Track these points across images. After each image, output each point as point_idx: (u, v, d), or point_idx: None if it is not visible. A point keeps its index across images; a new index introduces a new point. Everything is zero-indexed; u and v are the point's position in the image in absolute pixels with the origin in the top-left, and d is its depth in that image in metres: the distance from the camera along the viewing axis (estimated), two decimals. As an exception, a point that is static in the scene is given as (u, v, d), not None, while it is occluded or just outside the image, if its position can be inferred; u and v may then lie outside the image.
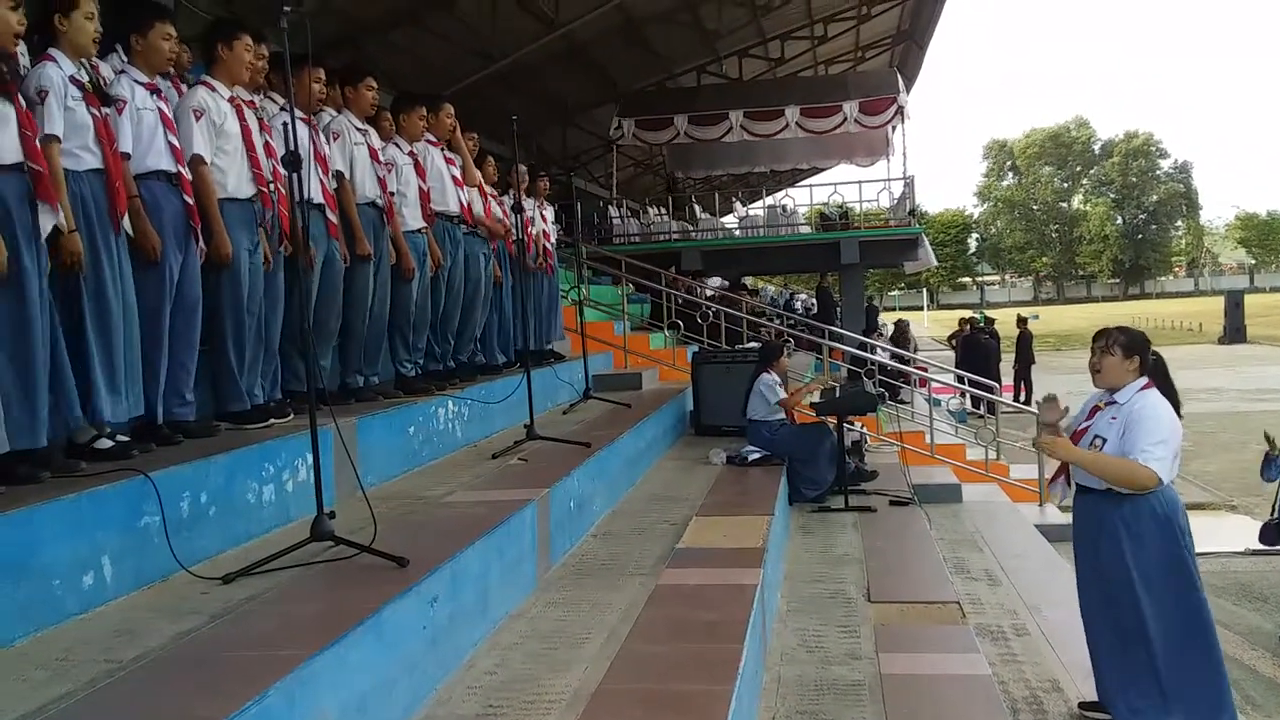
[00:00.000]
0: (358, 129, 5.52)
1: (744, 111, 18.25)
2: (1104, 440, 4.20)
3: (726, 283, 17.19)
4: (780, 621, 5.00)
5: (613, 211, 19.63)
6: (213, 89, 4.43)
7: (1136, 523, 4.10)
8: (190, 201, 4.18)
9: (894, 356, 13.96)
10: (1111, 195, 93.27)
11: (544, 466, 5.20)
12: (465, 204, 6.48)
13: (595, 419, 7.13)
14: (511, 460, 5.43)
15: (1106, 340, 4.29)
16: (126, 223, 3.82)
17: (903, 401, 12.88)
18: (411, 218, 5.89)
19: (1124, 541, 4.13)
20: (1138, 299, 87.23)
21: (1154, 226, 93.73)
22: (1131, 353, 4.23)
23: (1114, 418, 4.22)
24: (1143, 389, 4.19)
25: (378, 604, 2.88)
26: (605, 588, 4.34)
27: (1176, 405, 4.24)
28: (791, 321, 15.12)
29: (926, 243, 19.20)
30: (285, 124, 3.53)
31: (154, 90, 4.14)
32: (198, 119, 4.30)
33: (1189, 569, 4.12)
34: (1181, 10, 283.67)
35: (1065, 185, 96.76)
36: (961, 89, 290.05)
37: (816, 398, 8.23)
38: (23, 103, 3.31)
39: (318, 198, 4.94)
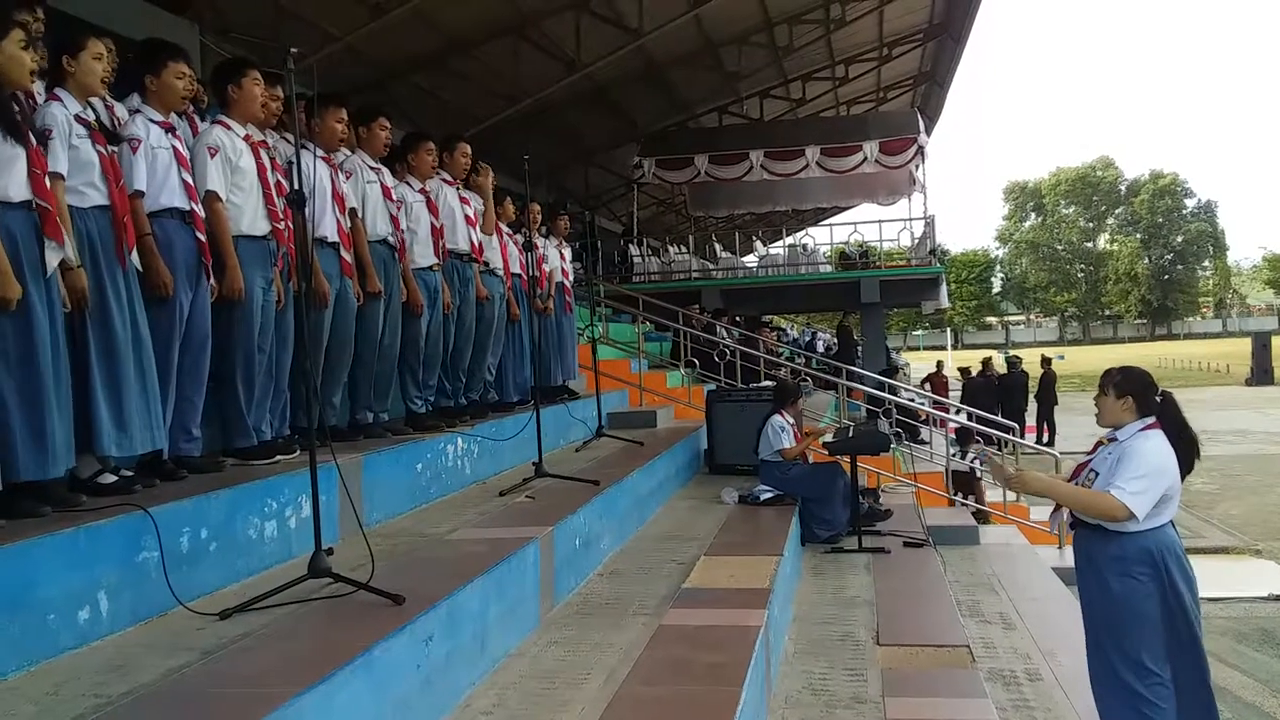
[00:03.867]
0: (371, 167, 5.59)
1: (764, 151, 18.37)
2: (1096, 474, 4.27)
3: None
4: (787, 664, 4.94)
5: (633, 250, 19.72)
6: (228, 127, 4.49)
7: (1124, 561, 4.11)
8: (202, 239, 4.23)
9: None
10: (1138, 235, 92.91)
11: (551, 504, 5.19)
12: (476, 243, 6.52)
13: (607, 457, 7.11)
14: (519, 498, 5.42)
15: (1104, 382, 4.38)
16: (136, 259, 3.87)
17: (921, 441, 12.81)
18: (422, 255, 5.94)
19: (1113, 578, 4.14)
20: (1165, 340, 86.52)
21: (1180, 267, 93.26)
22: (1123, 393, 4.29)
23: (1111, 453, 4.26)
24: (1144, 429, 4.20)
25: (369, 642, 2.86)
26: (608, 627, 4.31)
27: (1192, 446, 4.23)
28: (808, 360, 15.10)
29: (943, 282, 19.18)
30: (291, 163, 3.57)
31: (168, 129, 4.21)
32: (213, 156, 4.35)
33: (1184, 612, 4.08)
34: (1205, 51, 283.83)
35: (1090, 225, 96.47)
36: (984, 129, 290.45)
37: (830, 438, 8.18)
38: (33, 141, 3.37)
39: (332, 236, 4.99)
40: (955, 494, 10.32)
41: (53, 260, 3.32)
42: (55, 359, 3.34)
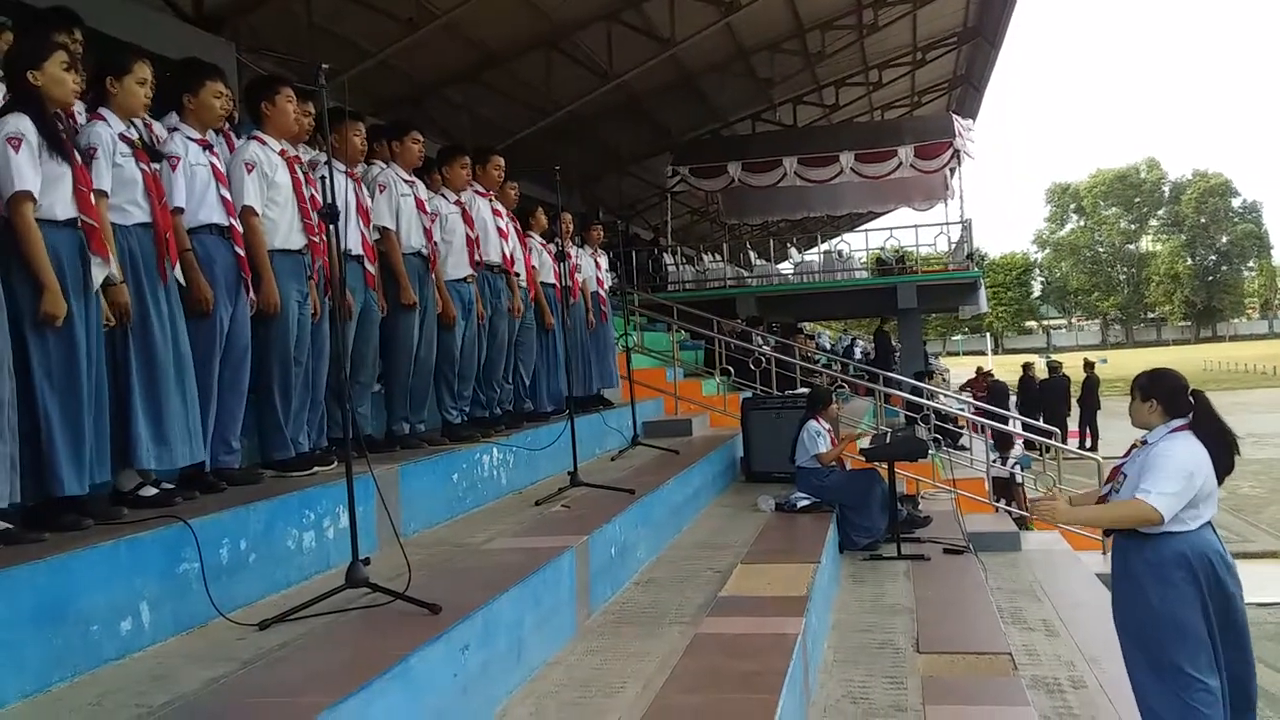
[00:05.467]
0: (404, 180, 5.64)
1: (798, 157, 18.27)
2: (1125, 476, 4.26)
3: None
4: (825, 672, 4.91)
5: (667, 258, 19.72)
6: (264, 143, 4.56)
7: (1161, 566, 4.06)
8: (241, 253, 4.29)
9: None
10: (1182, 236, 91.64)
11: (586, 513, 5.19)
12: (508, 255, 6.56)
13: (642, 465, 7.11)
14: (554, 507, 5.43)
15: (1133, 384, 4.38)
16: (178, 273, 3.94)
17: (961, 447, 12.69)
18: (455, 266, 5.99)
19: (1151, 585, 4.10)
20: (1210, 342, 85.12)
21: (1225, 268, 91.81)
22: (1148, 396, 4.29)
23: (1140, 456, 4.25)
24: (1174, 431, 4.16)
25: (406, 651, 2.88)
26: (645, 636, 4.30)
27: (1229, 446, 4.18)
28: (844, 366, 15.01)
29: (981, 286, 19.00)
30: (323, 177, 3.62)
31: (206, 146, 4.27)
32: (249, 172, 4.42)
33: (1233, 613, 4.03)
34: (1249, 50, 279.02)
35: (1133, 226, 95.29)
36: (1022, 132, 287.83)
37: (866, 443, 8.12)
38: (79, 160, 3.44)
39: (357, 249, 5.04)
40: (997, 500, 10.21)
41: (98, 276, 3.40)
42: (94, 375, 3.40)
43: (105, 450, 3.47)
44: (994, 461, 11.10)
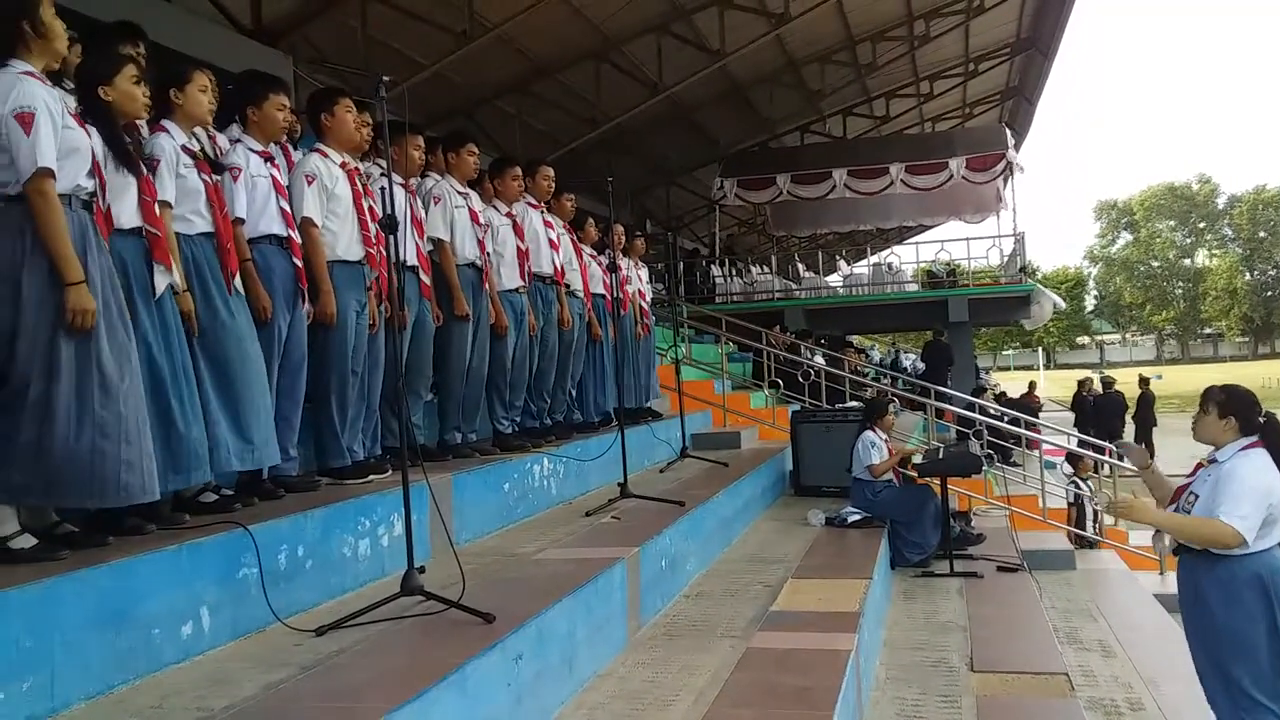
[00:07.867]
0: (459, 192, 5.69)
1: (848, 169, 18.19)
2: (1196, 496, 4.15)
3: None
4: (878, 690, 4.85)
5: (715, 270, 19.70)
6: (325, 155, 4.62)
7: (1231, 585, 3.98)
8: (299, 264, 4.35)
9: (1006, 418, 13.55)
10: (1239, 250, 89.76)
11: (636, 525, 5.17)
12: (558, 266, 6.59)
13: (691, 478, 7.08)
14: (604, 518, 5.43)
15: (1205, 399, 4.27)
16: (238, 282, 4.00)
17: (1014, 464, 12.51)
18: (508, 277, 6.02)
19: (1219, 604, 4.01)
20: (1268, 359, 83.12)
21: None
22: (1227, 412, 4.17)
23: (1210, 475, 4.15)
24: (1245, 449, 4.06)
25: (461, 660, 2.88)
26: (696, 649, 4.27)
27: None
28: (894, 380, 14.86)
29: (1045, 296, 18.71)
30: (383, 188, 3.65)
31: (268, 158, 4.34)
32: (309, 184, 4.48)
33: None
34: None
35: (1188, 241, 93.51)
36: (1077, 145, 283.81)
37: (919, 459, 8.03)
38: (144, 170, 3.51)
39: (412, 260, 5.09)
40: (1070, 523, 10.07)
41: (160, 284, 3.45)
42: (174, 380, 3.45)
43: (199, 450, 3.52)
44: (1071, 479, 10.93)
